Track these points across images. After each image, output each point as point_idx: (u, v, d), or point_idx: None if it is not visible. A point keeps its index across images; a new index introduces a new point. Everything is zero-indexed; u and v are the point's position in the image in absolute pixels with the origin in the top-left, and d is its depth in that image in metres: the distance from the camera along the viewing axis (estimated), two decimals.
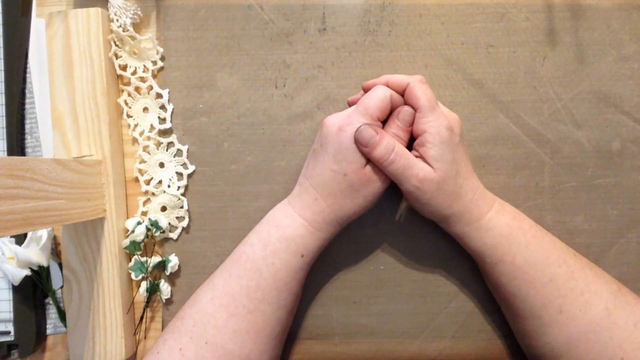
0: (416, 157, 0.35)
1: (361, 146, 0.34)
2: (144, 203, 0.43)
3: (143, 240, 0.41)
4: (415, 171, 0.34)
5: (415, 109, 0.36)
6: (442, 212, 0.36)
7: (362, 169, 0.35)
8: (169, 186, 0.43)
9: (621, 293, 0.35)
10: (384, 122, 0.37)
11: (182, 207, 0.43)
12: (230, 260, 0.38)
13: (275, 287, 0.35)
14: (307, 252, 0.36)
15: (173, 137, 0.43)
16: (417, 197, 0.35)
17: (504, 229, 0.36)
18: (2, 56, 0.43)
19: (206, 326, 0.35)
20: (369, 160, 0.35)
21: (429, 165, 0.34)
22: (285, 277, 0.36)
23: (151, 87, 0.43)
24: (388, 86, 0.37)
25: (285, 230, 0.36)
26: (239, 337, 0.34)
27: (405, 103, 0.36)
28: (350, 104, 0.41)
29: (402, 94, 0.36)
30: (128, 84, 0.43)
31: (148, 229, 0.41)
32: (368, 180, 0.35)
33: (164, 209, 0.43)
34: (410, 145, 0.37)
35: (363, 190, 0.35)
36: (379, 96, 0.35)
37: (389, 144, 0.34)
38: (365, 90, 0.39)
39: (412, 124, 0.36)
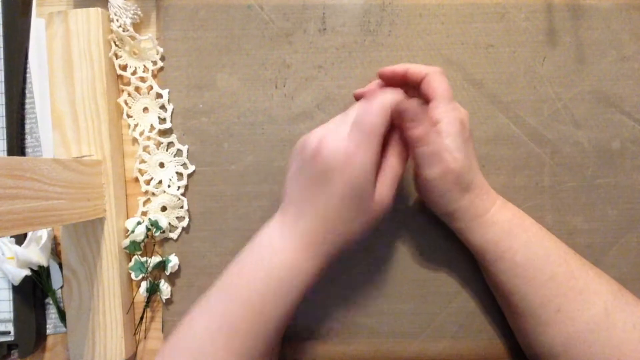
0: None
1: (406, 121, 0.33)
2: (144, 203, 0.43)
3: (143, 240, 0.41)
4: (445, 156, 0.34)
5: (430, 99, 0.35)
6: (451, 204, 0.36)
7: (373, 196, 0.33)
8: (169, 186, 0.43)
9: (621, 294, 0.35)
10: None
11: (182, 207, 0.43)
12: (226, 283, 0.35)
13: (279, 316, 0.33)
14: (308, 284, 0.34)
15: (173, 137, 0.43)
16: (435, 186, 0.35)
17: (505, 225, 0.36)
18: (2, 56, 0.43)
19: (205, 355, 0.32)
20: (375, 185, 0.33)
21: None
22: (289, 308, 0.33)
23: (151, 87, 0.43)
24: (407, 74, 0.36)
25: (286, 270, 0.33)
26: None
27: (421, 93, 0.36)
28: (357, 97, 0.41)
29: (419, 83, 0.36)
30: (128, 84, 0.43)
31: (148, 229, 0.41)
32: (376, 204, 0.33)
33: (164, 209, 0.43)
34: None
35: (368, 216, 0.33)
36: (385, 106, 0.33)
37: (430, 124, 0.34)
38: (382, 76, 0.38)
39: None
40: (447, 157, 0.34)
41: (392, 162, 0.35)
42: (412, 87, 0.37)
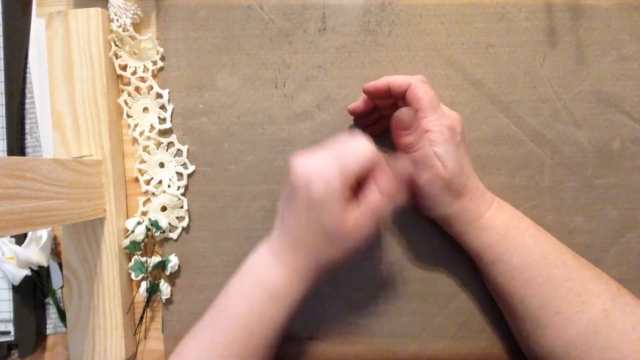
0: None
1: (400, 129, 0.34)
2: (144, 203, 0.43)
3: (143, 240, 0.41)
4: (434, 162, 0.34)
5: (416, 109, 0.36)
6: (444, 210, 0.36)
7: (340, 220, 0.32)
8: (169, 186, 0.43)
9: (620, 294, 0.34)
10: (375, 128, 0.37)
11: (182, 207, 0.43)
12: (212, 315, 0.35)
13: (266, 339, 0.34)
14: (294, 304, 0.35)
15: (173, 137, 0.43)
16: (426, 192, 0.35)
17: (501, 228, 0.36)
18: (2, 56, 0.43)
19: None
20: (346, 211, 0.32)
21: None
22: (276, 330, 0.34)
23: (151, 87, 0.43)
24: (389, 87, 0.37)
25: (270, 291, 0.34)
26: None
27: (407, 103, 0.36)
28: (351, 112, 0.41)
29: (403, 95, 0.36)
30: (128, 84, 0.43)
31: (148, 229, 0.41)
32: (349, 231, 0.33)
33: (164, 209, 0.43)
34: None
35: (343, 242, 0.33)
36: (361, 155, 0.32)
37: (422, 131, 0.34)
38: (367, 91, 0.39)
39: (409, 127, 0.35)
40: (436, 164, 0.34)
41: (372, 197, 0.33)
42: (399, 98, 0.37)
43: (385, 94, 0.38)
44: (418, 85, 0.35)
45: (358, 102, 0.40)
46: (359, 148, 0.33)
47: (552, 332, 0.34)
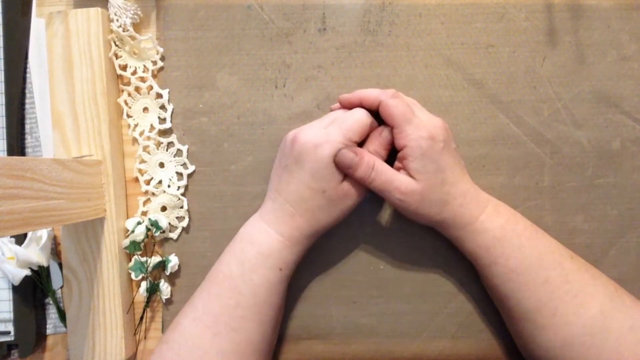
0: (399, 168, 0.36)
1: (343, 169, 0.35)
2: (144, 203, 0.43)
3: (143, 240, 0.41)
4: (397, 184, 0.35)
5: (391, 126, 0.36)
6: (432, 219, 0.36)
7: (340, 185, 0.35)
8: (169, 186, 0.43)
9: (618, 295, 0.34)
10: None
11: (182, 207, 0.43)
12: (207, 280, 0.37)
13: (255, 304, 0.35)
14: (285, 265, 0.36)
15: (173, 137, 0.43)
16: (404, 208, 0.36)
17: (497, 232, 0.36)
18: (2, 56, 0.43)
19: (191, 348, 0.34)
20: (345, 176, 0.36)
21: (412, 177, 0.35)
22: (265, 292, 0.35)
23: (151, 87, 0.43)
24: (362, 103, 0.37)
25: (261, 247, 0.36)
26: (226, 357, 0.34)
27: (382, 117, 0.37)
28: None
29: (376, 108, 0.37)
30: (128, 84, 0.43)
31: (148, 229, 0.41)
32: (345, 195, 0.36)
33: (164, 209, 0.43)
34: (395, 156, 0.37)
35: (340, 204, 0.36)
36: (362, 122, 0.36)
37: (368, 163, 0.35)
38: (341, 103, 0.39)
39: (392, 141, 0.36)
40: (403, 181, 0.35)
41: (366, 158, 0.35)
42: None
43: (360, 106, 0.38)
44: (388, 102, 0.35)
45: (335, 105, 0.40)
46: (358, 117, 0.36)
47: (549, 333, 0.34)
